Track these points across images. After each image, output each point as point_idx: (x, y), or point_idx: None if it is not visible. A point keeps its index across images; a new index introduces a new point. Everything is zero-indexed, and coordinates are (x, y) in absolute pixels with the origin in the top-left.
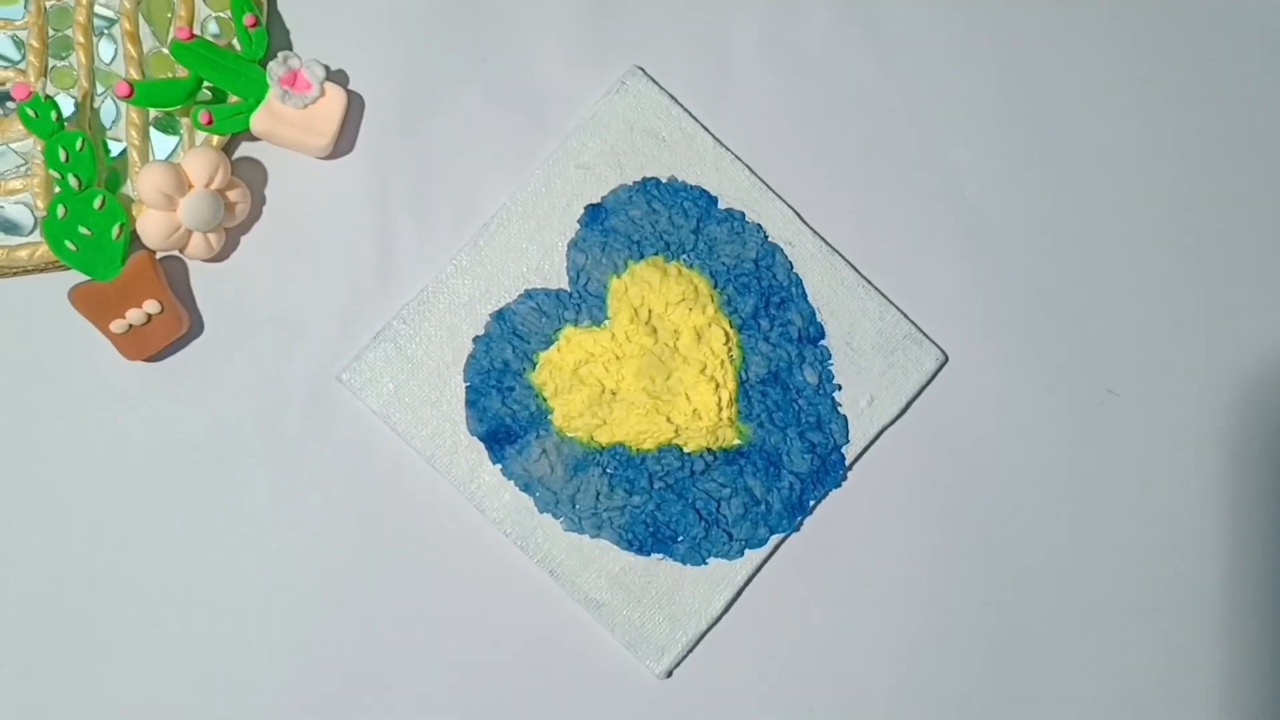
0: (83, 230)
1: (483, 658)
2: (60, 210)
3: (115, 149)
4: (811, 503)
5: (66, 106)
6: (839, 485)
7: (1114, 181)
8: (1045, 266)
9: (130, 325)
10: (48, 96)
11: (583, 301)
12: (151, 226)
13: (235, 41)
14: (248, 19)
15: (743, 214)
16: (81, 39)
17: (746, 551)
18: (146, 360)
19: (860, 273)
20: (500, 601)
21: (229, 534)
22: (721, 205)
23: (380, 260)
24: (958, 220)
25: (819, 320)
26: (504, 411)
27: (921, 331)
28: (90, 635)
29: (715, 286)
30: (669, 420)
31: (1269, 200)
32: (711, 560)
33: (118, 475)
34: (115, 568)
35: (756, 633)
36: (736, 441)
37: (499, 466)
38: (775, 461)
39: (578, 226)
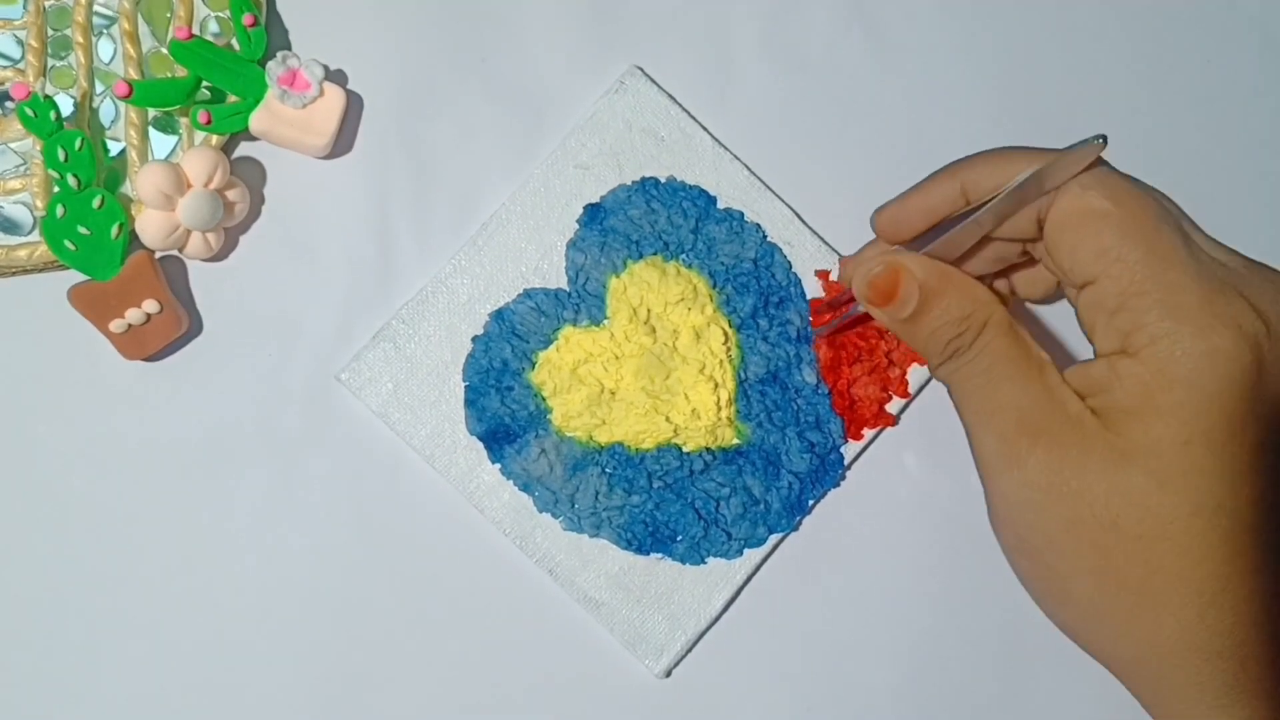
0: (82, 230)
1: (481, 657)
2: (59, 210)
3: (114, 149)
4: (810, 502)
5: (65, 106)
6: (838, 485)
7: None
8: None
9: (129, 325)
10: (47, 96)
11: (581, 301)
12: (150, 226)
13: (234, 41)
14: (246, 19)
15: (741, 214)
16: (80, 39)
17: (745, 551)
18: (146, 360)
19: None
20: (499, 601)
21: (227, 533)
22: (720, 205)
23: (379, 260)
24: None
25: None
26: (503, 411)
27: None
28: (90, 635)
29: (714, 286)
30: (668, 420)
31: (1271, 201)
32: (710, 560)
33: (116, 474)
34: (113, 567)
35: (755, 632)
36: (735, 441)
37: (498, 466)
38: (774, 461)
39: (576, 226)
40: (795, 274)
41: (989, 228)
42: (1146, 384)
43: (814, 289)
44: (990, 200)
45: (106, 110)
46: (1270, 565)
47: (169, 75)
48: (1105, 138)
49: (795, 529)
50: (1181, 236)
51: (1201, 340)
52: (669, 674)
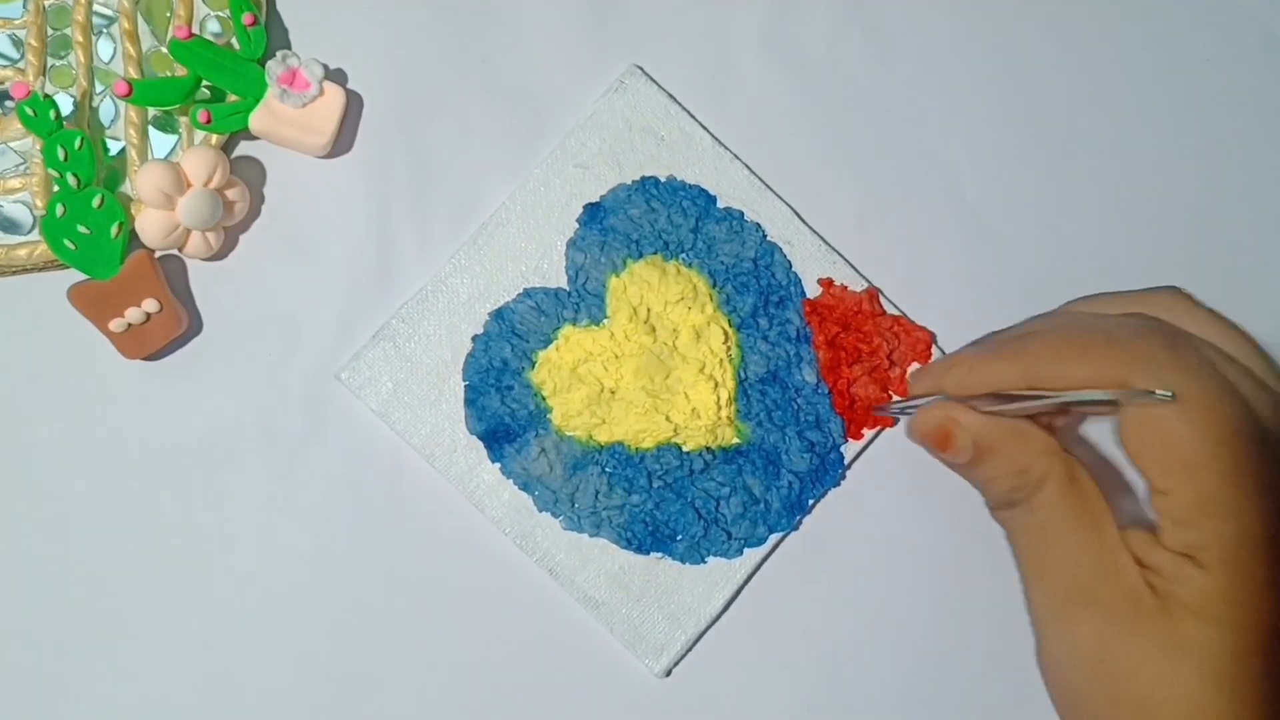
0: (81, 229)
1: (481, 656)
2: (59, 209)
3: (114, 148)
4: (810, 502)
5: (65, 105)
6: (838, 484)
7: (1114, 182)
8: (1044, 267)
9: (129, 324)
10: (46, 95)
11: (581, 300)
12: (150, 225)
13: (234, 40)
14: (246, 18)
15: (741, 213)
16: (80, 38)
17: (745, 550)
18: (146, 359)
19: (859, 272)
20: (499, 600)
21: (227, 533)
22: (720, 204)
23: (379, 259)
24: (957, 220)
25: None
26: (503, 410)
27: None
28: (90, 635)
29: (714, 285)
30: (668, 419)
31: (1271, 202)
32: (710, 559)
33: (116, 473)
34: (114, 566)
35: (755, 632)
36: (735, 440)
37: (498, 465)
38: (774, 460)
39: (576, 225)
40: (795, 273)
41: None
42: (1211, 595)
43: (813, 290)
44: (1054, 398)
45: (106, 109)
46: None
47: (169, 74)
48: (1175, 395)
49: (795, 528)
50: (1257, 442)
51: (1272, 568)
52: (669, 673)
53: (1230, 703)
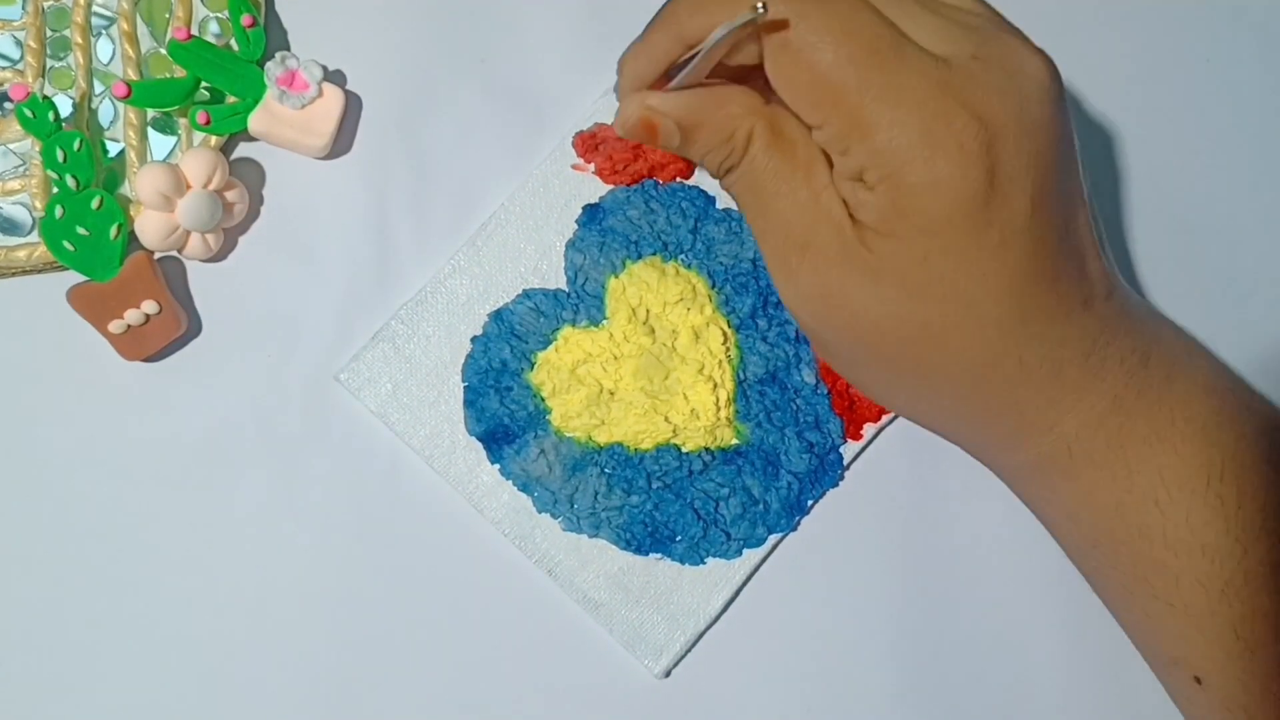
0: (80, 231)
1: (480, 657)
2: (58, 211)
3: (113, 149)
4: (810, 502)
5: (64, 107)
6: (837, 485)
7: (1112, 182)
8: None
9: (129, 325)
10: (45, 97)
11: (580, 301)
12: (149, 227)
13: (233, 42)
14: (245, 19)
15: (740, 214)
16: (79, 39)
17: (745, 551)
18: (145, 360)
19: None
20: (498, 601)
21: (226, 533)
22: (719, 205)
23: (378, 260)
24: None
25: None
26: (502, 411)
27: None
28: (89, 635)
29: (713, 286)
30: (667, 420)
31: (1271, 201)
32: (710, 560)
33: (116, 474)
34: (113, 567)
35: (754, 633)
36: (734, 441)
37: (497, 466)
38: (773, 461)
39: (575, 226)
40: None
41: (706, 72)
42: (883, 213)
43: None
44: (697, 53)
45: (105, 111)
46: (1040, 333)
47: (168, 76)
48: (765, 8)
49: (794, 529)
50: (895, 51)
51: (926, 171)
52: (668, 674)
53: (929, 305)
